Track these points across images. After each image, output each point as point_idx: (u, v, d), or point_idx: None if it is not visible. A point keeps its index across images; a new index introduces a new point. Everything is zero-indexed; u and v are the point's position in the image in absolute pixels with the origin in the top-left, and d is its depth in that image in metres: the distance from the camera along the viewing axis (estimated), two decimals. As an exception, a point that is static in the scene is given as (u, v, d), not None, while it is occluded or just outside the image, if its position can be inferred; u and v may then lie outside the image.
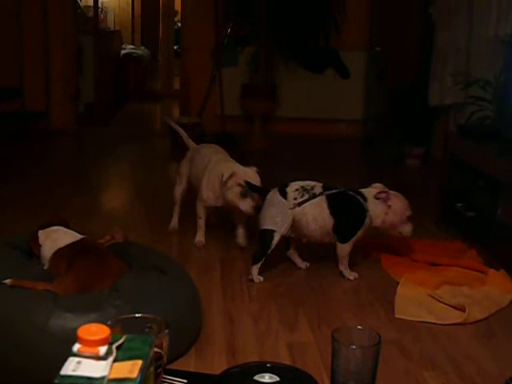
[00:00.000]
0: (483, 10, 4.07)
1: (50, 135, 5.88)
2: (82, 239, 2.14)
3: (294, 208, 2.60)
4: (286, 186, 2.65)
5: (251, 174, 2.82)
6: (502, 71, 3.33)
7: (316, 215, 2.61)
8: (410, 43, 5.15)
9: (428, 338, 2.19)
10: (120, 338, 0.99)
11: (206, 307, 2.29)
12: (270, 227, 2.60)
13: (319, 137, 5.95)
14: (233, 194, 2.80)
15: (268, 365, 1.23)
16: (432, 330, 2.25)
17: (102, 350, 0.97)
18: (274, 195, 2.64)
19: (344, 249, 2.67)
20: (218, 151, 3.14)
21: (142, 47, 10.17)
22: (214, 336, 2.12)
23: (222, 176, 2.79)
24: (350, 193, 2.67)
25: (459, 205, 3.08)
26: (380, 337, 1.12)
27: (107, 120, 6.99)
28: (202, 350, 2.02)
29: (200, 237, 3.04)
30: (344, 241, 2.66)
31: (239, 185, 2.77)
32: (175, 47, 9.40)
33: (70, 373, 0.94)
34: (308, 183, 2.67)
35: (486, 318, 2.35)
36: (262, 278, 2.63)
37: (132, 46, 9.88)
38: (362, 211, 2.64)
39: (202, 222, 3.04)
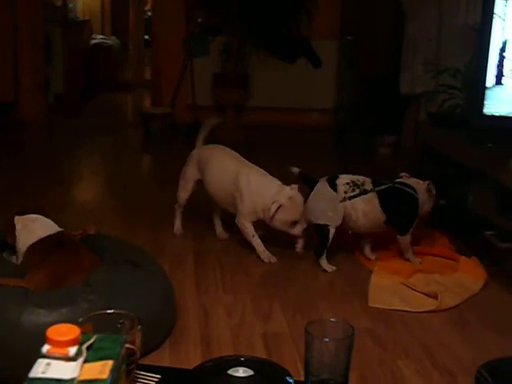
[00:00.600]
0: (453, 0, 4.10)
1: (19, 126, 5.80)
2: (57, 232, 2.11)
3: (344, 201, 2.65)
4: (336, 178, 2.70)
5: (296, 199, 2.71)
6: (471, 59, 3.35)
7: (367, 211, 2.67)
8: (381, 32, 5.16)
9: (401, 326, 2.20)
10: (90, 338, 0.98)
11: (179, 300, 2.27)
12: (324, 222, 2.64)
13: (292, 126, 5.94)
14: (282, 224, 2.73)
15: (242, 359, 1.22)
16: (405, 318, 2.27)
17: (72, 350, 0.96)
18: (323, 187, 2.67)
19: (405, 240, 2.75)
20: (234, 156, 2.92)
21: (113, 37, 10.05)
22: (189, 329, 2.12)
23: (269, 210, 2.67)
24: (399, 186, 2.74)
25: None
26: (353, 329, 1.12)
27: (78, 111, 6.91)
28: (176, 344, 2.01)
29: (264, 253, 2.76)
30: (403, 233, 2.73)
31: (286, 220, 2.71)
32: (146, 37, 9.32)
33: (39, 375, 0.93)
34: (358, 178, 2.73)
35: (458, 305, 2.37)
36: (334, 267, 2.68)
37: (102, 36, 9.76)
38: (414, 202, 2.72)
39: (257, 239, 2.77)
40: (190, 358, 1.92)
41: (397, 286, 2.49)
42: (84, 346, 0.97)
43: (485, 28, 2.43)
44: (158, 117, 5.67)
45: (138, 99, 8.28)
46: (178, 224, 3.06)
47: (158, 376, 1.28)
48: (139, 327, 1.09)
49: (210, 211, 3.06)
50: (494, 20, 2.37)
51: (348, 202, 2.65)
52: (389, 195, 2.70)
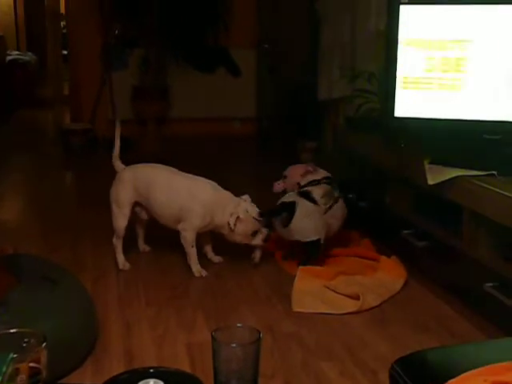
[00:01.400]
0: (365, 5, 4.18)
1: None
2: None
3: (325, 213, 2.77)
4: (309, 193, 2.78)
5: (251, 209, 2.69)
6: (383, 64, 3.42)
7: (342, 214, 2.87)
8: (297, 39, 5.22)
9: (324, 328, 2.23)
10: None
11: (101, 315, 2.24)
12: (316, 237, 2.72)
13: (214, 136, 5.95)
14: (243, 236, 2.71)
15: (151, 370, 1.21)
16: (328, 320, 2.29)
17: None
18: (306, 205, 2.72)
19: None
20: (177, 172, 2.82)
21: (29, 53, 9.86)
22: (111, 344, 2.08)
23: (228, 225, 2.64)
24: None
25: (351, 195, 3.15)
26: (260, 333, 1.12)
27: (-5, 129, 6.74)
28: (98, 361, 1.98)
29: (197, 266, 2.74)
30: None
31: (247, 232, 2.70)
32: (64, 52, 9.17)
33: None
34: (325, 187, 2.84)
35: (379, 305, 2.41)
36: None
37: (18, 52, 9.57)
38: None
39: (195, 250, 2.73)
40: (113, 373, 1.87)
41: (319, 289, 2.52)
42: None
43: (391, 32, 2.49)
44: (78, 132, 5.58)
45: (57, 115, 8.13)
46: (121, 258, 2.80)
47: (68, 394, 1.25)
48: (44, 344, 1.06)
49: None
50: (398, 24, 2.44)
51: (328, 213, 2.78)
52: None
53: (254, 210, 2.69)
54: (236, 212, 2.65)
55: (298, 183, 2.91)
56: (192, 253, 2.72)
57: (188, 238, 2.71)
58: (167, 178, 2.77)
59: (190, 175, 2.81)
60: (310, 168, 2.96)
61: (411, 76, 2.55)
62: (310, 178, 2.92)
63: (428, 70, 2.52)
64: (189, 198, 2.70)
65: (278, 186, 3.01)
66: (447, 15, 2.45)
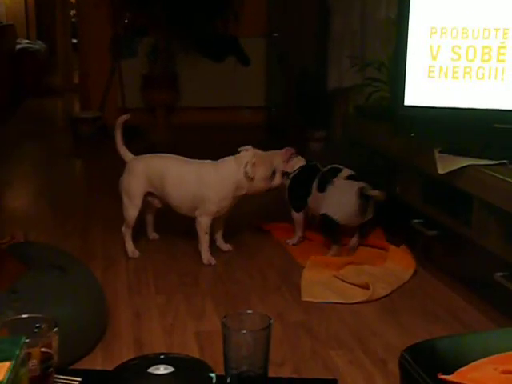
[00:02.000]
0: (375, -7, 4.17)
1: None
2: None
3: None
4: (339, 171, 2.81)
5: (258, 152, 2.75)
6: (393, 52, 3.40)
7: None
8: (307, 28, 5.20)
9: (334, 317, 2.23)
10: None
11: (111, 303, 2.25)
12: (336, 218, 2.73)
13: (223, 125, 5.94)
14: (264, 180, 2.71)
15: (162, 356, 1.22)
16: (338, 309, 2.29)
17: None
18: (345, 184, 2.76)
19: None
20: (184, 159, 2.82)
21: (39, 41, 9.86)
22: (121, 331, 2.09)
23: (247, 174, 2.65)
24: None
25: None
26: (270, 320, 1.12)
27: (4, 118, 6.75)
28: (108, 347, 1.99)
29: (207, 253, 2.73)
30: None
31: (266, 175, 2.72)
32: (74, 40, 9.17)
33: None
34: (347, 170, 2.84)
35: (389, 294, 2.41)
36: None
37: (27, 41, 9.57)
38: None
39: (208, 237, 2.72)
40: (123, 360, 1.87)
41: (329, 279, 2.52)
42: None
43: (401, 20, 2.47)
44: (87, 121, 5.58)
45: (67, 104, 8.15)
46: (131, 246, 2.80)
47: (79, 379, 1.26)
48: (55, 330, 1.07)
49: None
50: (409, 12, 2.42)
51: None
52: None
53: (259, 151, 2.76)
54: (250, 161, 2.66)
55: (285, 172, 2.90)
56: (205, 240, 2.72)
57: (203, 223, 2.70)
58: (179, 168, 2.76)
59: (200, 161, 2.79)
60: (289, 152, 2.93)
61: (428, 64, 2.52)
62: (296, 163, 2.92)
63: (453, 59, 2.48)
64: (202, 185, 2.69)
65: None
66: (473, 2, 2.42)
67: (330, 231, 2.79)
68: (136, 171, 2.78)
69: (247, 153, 2.71)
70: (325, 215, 2.75)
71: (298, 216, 2.93)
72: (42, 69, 9.17)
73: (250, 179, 2.67)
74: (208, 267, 2.67)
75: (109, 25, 5.85)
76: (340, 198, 2.74)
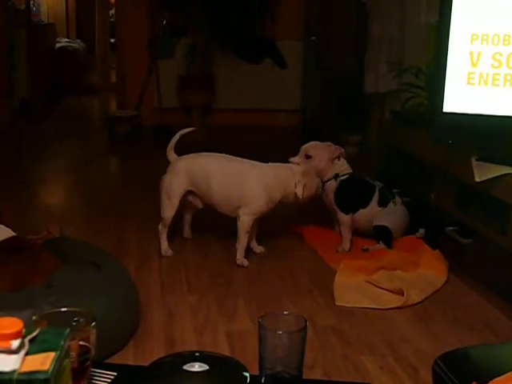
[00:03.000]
0: (414, -1, 4.15)
1: (-17, 133, 5.73)
2: (11, 238, 2.09)
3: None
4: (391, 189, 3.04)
5: (307, 169, 2.81)
6: (432, 58, 3.38)
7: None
8: (344, 32, 5.19)
9: (365, 322, 2.22)
10: (34, 331, 0.98)
11: (144, 300, 2.27)
12: (387, 224, 2.96)
13: (258, 127, 5.95)
14: (308, 198, 2.77)
15: (197, 354, 1.23)
16: (369, 314, 2.28)
17: (15, 343, 0.97)
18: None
19: None
20: (229, 158, 2.83)
21: (78, 40, 9.98)
22: (153, 329, 2.11)
23: (296, 194, 2.70)
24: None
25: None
26: (306, 321, 1.13)
27: (44, 116, 6.85)
28: (140, 344, 2.00)
29: (243, 254, 2.74)
30: None
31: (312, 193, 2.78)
32: (112, 40, 9.27)
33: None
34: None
35: (422, 301, 2.39)
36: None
37: (67, 40, 9.70)
38: None
39: (247, 238, 2.73)
40: (154, 357, 1.89)
41: (361, 284, 2.51)
42: (27, 339, 0.97)
43: (442, 26, 2.46)
44: (123, 120, 5.64)
45: (104, 103, 8.24)
46: (165, 245, 2.82)
47: (114, 373, 1.27)
48: (93, 324, 1.08)
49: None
50: (451, 18, 2.41)
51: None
52: None
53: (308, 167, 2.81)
54: (301, 180, 2.69)
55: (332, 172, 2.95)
56: (244, 240, 2.72)
57: (246, 223, 2.70)
58: (223, 166, 2.77)
59: (246, 160, 2.81)
60: (338, 151, 2.96)
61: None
62: (344, 168, 2.95)
63: (494, 66, 2.46)
64: (249, 183, 2.70)
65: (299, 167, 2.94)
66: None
67: (387, 240, 2.92)
68: (177, 170, 2.78)
69: (298, 169, 2.75)
70: (385, 227, 2.91)
71: (347, 218, 2.95)
72: (80, 68, 9.29)
73: (297, 197, 2.71)
74: (240, 268, 2.68)
75: (147, 25, 5.90)
76: (400, 215, 2.98)
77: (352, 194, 2.96)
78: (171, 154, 2.84)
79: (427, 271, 2.59)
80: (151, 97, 5.95)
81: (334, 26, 5.24)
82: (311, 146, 3.00)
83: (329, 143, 3.02)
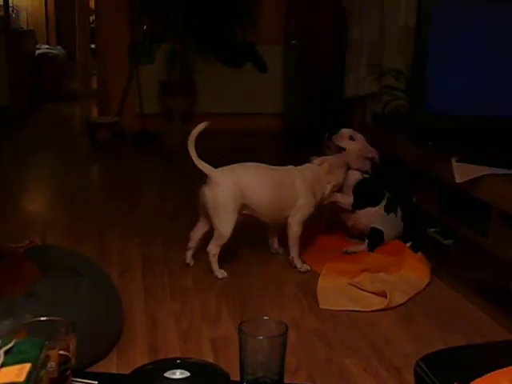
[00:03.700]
0: (393, 1, 4.16)
1: (-38, 140, 5.69)
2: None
3: None
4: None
5: (334, 167, 2.89)
6: (412, 60, 3.40)
7: None
8: (324, 36, 5.21)
9: (349, 325, 2.23)
10: (9, 343, 0.97)
11: (127, 308, 2.25)
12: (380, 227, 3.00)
13: (240, 131, 5.95)
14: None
15: (178, 361, 1.22)
16: (353, 317, 2.29)
17: (-10, 356, 0.95)
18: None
19: None
20: (268, 166, 2.79)
21: (58, 47, 9.94)
22: (136, 336, 2.10)
23: (327, 193, 2.82)
24: None
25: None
26: (286, 326, 1.13)
27: (24, 122, 6.81)
28: (123, 352, 1.99)
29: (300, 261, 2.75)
30: None
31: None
32: (92, 46, 9.24)
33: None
34: None
35: (405, 303, 2.40)
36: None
37: (47, 46, 9.65)
38: None
39: (299, 242, 2.75)
40: (138, 365, 1.88)
41: (345, 287, 2.51)
42: (2, 351, 0.96)
43: (420, 28, 2.47)
44: (105, 126, 5.62)
45: (85, 109, 8.21)
46: (217, 266, 2.64)
47: (95, 382, 1.27)
48: (73, 333, 1.08)
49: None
50: (429, 19, 2.42)
51: None
52: None
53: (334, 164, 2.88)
54: (331, 180, 2.82)
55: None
56: (297, 246, 2.75)
57: (298, 229, 2.73)
58: (268, 177, 2.71)
59: (282, 167, 2.81)
60: (373, 153, 3.03)
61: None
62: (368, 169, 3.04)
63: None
64: (299, 190, 2.72)
65: (344, 142, 3.12)
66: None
67: (374, 244, 2.95)
68: (227, 183, 2.61)
69: (323, 169, 2.84)
70: (381, 232, 2.95)
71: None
72: (61, 74, 9.25)
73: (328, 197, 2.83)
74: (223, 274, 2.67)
75: (127, 31, 5.89)
76: (397, 224, 3.01)
77: (368, 191, 3.02)
78: (205, 166, 2.65)
79: (410, 273, 2.60)
80: (132, 103, 5.93)
81: (313, 29, 5.25)
82: (354, 132, 3.10)
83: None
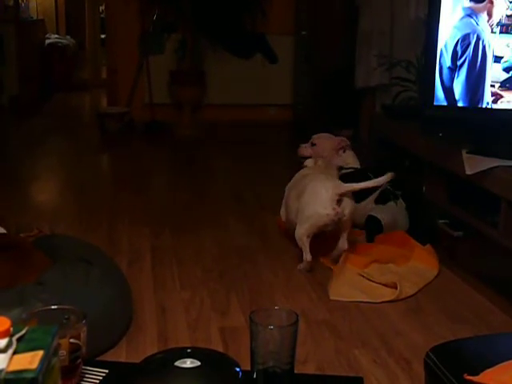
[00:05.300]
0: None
1: (-28, 130, 5.71)
2: (1, 236, 2.08)
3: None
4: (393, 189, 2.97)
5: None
6: (422, 52, 3.39)
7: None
8: (335, 27, 5.19)
9: (358, 316, 2.23)
10: (21, 330, 0.97)
11: (136, 297, 2.26)
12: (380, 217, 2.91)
13: (249, 122, 5.95)
14: None
15: (189, 350, 1.22)
16: (362, 308, 2.29)
17: (2, 342, 0.96)
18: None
19: None
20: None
21: (68, 36, 9.94)
22: (146, 326, 2.10)
23: None
24: None
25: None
26: (297, 316, 1.13)
27: (34, 112, 6.83)
28: (133, 341, 2.00)
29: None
30: None
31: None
32: (102, 36, 9.24)
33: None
34: None
35: (414, 294, 2.40)
36: None
37: (57, 36, 9.65)
38: None
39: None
40: (147, 354, 1.89)
41: (354, 278, 2.50)
42: (14, 338, 0.97)
43: (431, 19, 2.46)
44: (114, 116, 5.62)
45: (94, 99, 8.22)
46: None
47: (106, 371, 1.27)
48: (84, 321, 1.08)
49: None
50: (440, 11, 2.41)
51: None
52: None
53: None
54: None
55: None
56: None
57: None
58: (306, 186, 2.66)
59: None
60: (343, 143, 2.95)
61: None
62: (350, 161, 2.96)
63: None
64: None
65: (306, 151, 3.07)
66: None
67: (372, 233, 2.89)
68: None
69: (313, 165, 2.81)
70: (378, 220, 2.86)
71: None
72: (70, 64, 9.25)
73: None
74: (233, 263, 2.67)
75: (137, 21, 5.88)
76: (398, 216, 2.92)
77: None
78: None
79: (419, 264, 2.59)
80: (142, 93, 5.93)
81: (324, 20, 5.24)
82: (317, 135, 3.09)
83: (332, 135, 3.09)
